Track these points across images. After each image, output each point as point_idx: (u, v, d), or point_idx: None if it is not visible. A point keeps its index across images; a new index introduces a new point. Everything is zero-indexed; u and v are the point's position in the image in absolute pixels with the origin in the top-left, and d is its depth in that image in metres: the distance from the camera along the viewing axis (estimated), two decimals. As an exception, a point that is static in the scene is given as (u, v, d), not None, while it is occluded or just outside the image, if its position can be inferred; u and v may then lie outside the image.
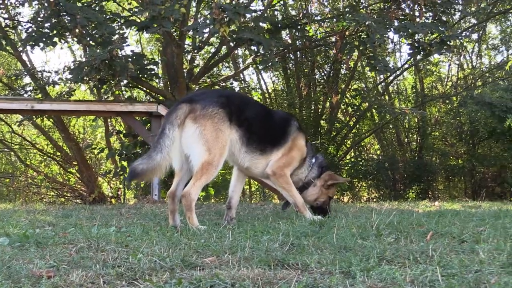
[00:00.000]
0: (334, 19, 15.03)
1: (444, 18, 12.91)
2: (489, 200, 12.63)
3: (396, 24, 11.98)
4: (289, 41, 16.51)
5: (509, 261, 3.04)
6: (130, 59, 11.20)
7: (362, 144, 19.58)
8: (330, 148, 17.42)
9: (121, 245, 3.80)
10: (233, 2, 12.54)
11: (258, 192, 19.79)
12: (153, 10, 10.35)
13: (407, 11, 12.62)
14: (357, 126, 18.80)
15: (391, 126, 18.99)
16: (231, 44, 12.20)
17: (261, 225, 4.92)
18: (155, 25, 10.79)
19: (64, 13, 10.87)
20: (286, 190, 5.77)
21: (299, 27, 14.23)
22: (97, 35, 11.37)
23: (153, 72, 12.88)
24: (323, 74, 18.49)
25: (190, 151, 5.17)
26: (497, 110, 13.90)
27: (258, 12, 12.85)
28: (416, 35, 11.92)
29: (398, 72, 18.05)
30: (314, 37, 16.48)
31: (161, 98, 13.75)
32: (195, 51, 13.90)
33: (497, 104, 13.89)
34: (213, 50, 16.18)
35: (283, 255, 3.31)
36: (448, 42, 11.97)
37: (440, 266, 2.91)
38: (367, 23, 10.85)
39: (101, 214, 6.75)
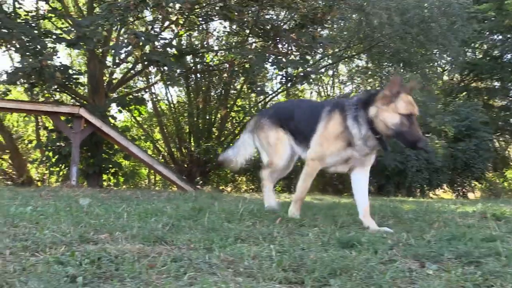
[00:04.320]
0: (227, 51, 15.14)
1: (309, 57, 13.41)
2: (334, 195, 13.09)
3: (272, 58, 12.30)
4: (191, 65, 16.41)
5: (329, 242, 3.19)
6: (57, 69, 10.69)
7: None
8: (219, 150, 17.47)
9: (33, 222, 3.59)
10: (149, 29, 12.30)
11: (161, 181, 19.45)
12: (79, 31, 9.96)
13: (283, 50, 12.93)
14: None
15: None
16: (143, 64, 11.97)
17: (153, 208, 4.77)
18: (82, 43, 10.38)
19: (3, 28, 10.23)
20: None
21: (199, 54, 14.22)
22: (31, 47, 10.73)
23: (77, 81, 12.38)
24: (217, 92, 18.52)
25: None
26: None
27: (168, 40, 12.70)
28: (286, 68, 12.31)
29: (273, 95, 18.42)
30: (210, 63, 16.52)
31: (84, 102, 13.22)
32: (114, 66, 13.50)
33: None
34: (130, 66, 15.77)
35: (162, 233, 3.23)
36: (309, 76, 12.46)
37: (278, 245, 2.97)
38: (249, 56, 11.06)
39: (23, 195, 6.29)
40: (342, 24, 16.49)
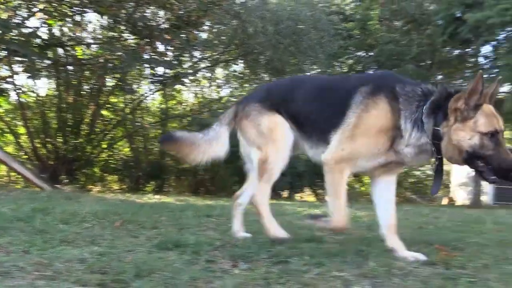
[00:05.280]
0: (97, 46, 14.57)
1: (185, 59, 13.42)
2: (205, 196, 13.14)
3: (147, 57, 12.12)
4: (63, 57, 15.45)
5: (155, 244, 3.23)
6: None
7: (116, 146, 19.16)
8: (87, 148, 16.76)
9: None
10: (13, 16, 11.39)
11: (22, 179, 18.02)
12: None
13: (161, 49, 12.64)
14: (113, 132, 18.32)
15: (140, 134, 18.94)
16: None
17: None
18: None
19: None
20: None
21: (68, 47, 13.51)
22: None
23: None
24: (89, 87, 17.66)
25: None
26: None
27: (32, 29, 11.88)
28: (164, 68, 12.19)
29: (148, 94, 18.10)
30: (84, 56, 15.75)
31: None
32: (-31, 53, 12.29)
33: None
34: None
35: (-19, 236, 3.05)
36: (182, 78, 12.49)
37: (103, 247, 2.97)
38: (118, 53, 10.80)
39: None
40: (221, 29, 16.74)
